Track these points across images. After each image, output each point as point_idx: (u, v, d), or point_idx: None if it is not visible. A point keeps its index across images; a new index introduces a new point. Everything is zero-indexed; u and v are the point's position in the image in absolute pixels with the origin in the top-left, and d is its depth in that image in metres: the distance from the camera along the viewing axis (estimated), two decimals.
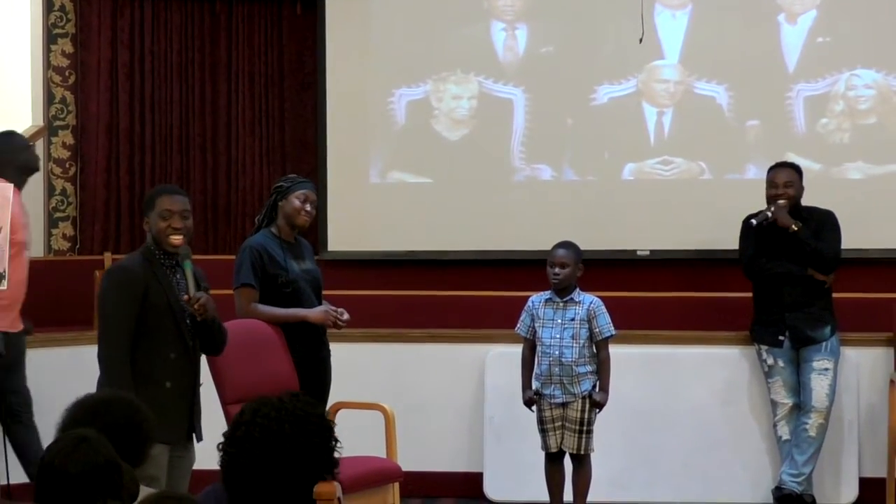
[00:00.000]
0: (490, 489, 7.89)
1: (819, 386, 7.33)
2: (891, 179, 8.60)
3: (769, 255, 7.48)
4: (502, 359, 7.72)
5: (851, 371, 7.64)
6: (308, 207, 6.63)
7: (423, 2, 9.21)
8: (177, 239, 5.51)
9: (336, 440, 3.44)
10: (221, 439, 3.43)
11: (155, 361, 5.44)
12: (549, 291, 6.94)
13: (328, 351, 6.79)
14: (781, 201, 7.39)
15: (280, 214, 6.64)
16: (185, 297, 5.48)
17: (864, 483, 7.62)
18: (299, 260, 6.67)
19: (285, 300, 6.56)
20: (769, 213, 7.37)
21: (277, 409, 3.40)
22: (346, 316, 6.63)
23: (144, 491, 3.85)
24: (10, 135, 7.61)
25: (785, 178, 7.48)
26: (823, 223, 7.51)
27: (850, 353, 7.65)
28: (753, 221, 7.42)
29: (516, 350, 7.11)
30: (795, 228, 7.35)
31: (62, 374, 7.62)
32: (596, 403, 6.82)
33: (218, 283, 8.56)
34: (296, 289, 6.59)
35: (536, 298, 6.99)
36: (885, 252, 8.52)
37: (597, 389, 6.85)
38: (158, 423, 5.21)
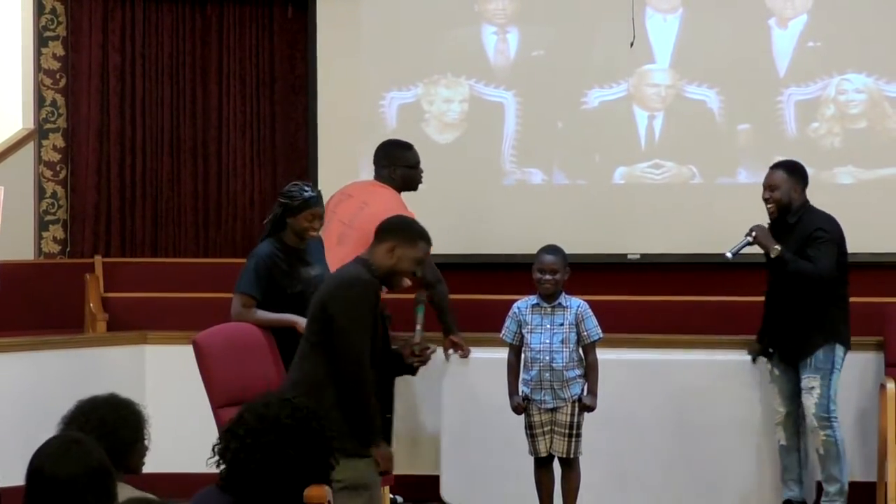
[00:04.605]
0: (446, 493, 7.80)
1: (809, 403, 7.15)
2: (881, 184, 8.62)
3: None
4: (495, 363, 7.70)
5: (842, 375, 7.60)
6: (316, 225, 6.66)
7: (414, 5, 9.21)
8: (408, 282, 5.45)
9: None
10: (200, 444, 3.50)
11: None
12: (535, 297, 6.90)
13: None
14: (759, 224, 7.18)
15: (289, 227, 6.65)
16: (415, 341, 5.45)
17: (855, 487, 7.61)
18: (307, 266, 6.69)
19: (290, 311, 6.57)
20: (749, 238, 7.06)
21: (299, 408, 3.68)
22: None
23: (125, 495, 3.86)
24: (408, 147, 7.74)
25: (768, 181, 7.17)
26: (812, 237, 7.07)
27: None
28: (729, 255, 7.12)
29: (500, 355, 7.07)
30: (773, 255, 7.01)
31: (54, 377, 7.61)
32: (586, 407, 6.80)
33: (209, 286, 8.64)
34: (302, 300, 6.61)
35: (522, 304, 6.95)
36: (876, 256, 8.53)
37: (585, 393, 6.84)
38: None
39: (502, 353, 6.94)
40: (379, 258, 5.36)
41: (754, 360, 7.48)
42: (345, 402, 5.17)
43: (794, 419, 7.34)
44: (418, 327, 5.49)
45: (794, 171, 7.21)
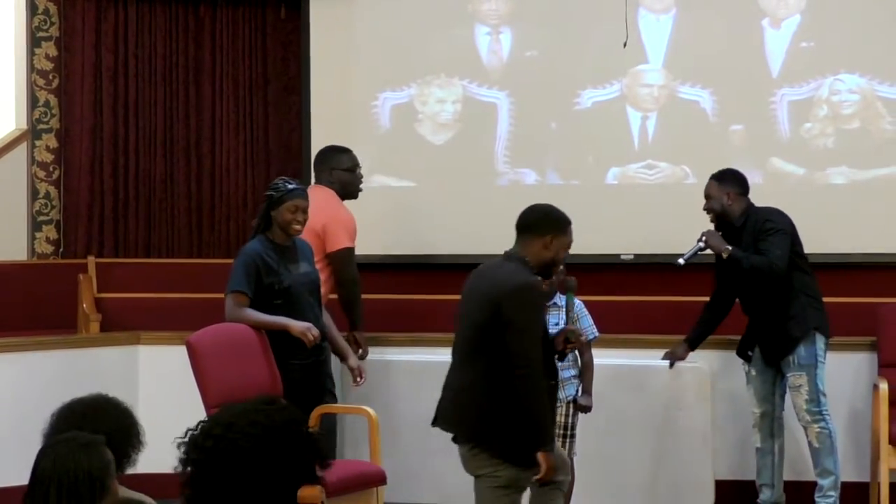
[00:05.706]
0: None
1: (798, 401, 7.15)
2: (874, 184, 8.61)
3: (730, 283, 7.34)
4: None
5: (835, 376, 7.62)
6: (299, 217, 6.69)
7: (407, 5, 9.21)
8: (560, 267, 5.43)
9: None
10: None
11: None
12: None
13: (328, 354, 6.87)
14: (709, 229, 7.21)
15: (274, 222, 6.69)
16: (570, 326, 5.45)
17: (848, 487, 7.61)
18: (294, 264, 6.72)
19: (278, 309, 6.58)
20: (702, 244, 7.15)
21: (255, 422, 3.22)
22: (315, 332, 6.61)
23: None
24: (344, 151, 7.87)
25: (705, 192, 7.30)
26: (761, 230, 7.12)
27: (834, 358, 7.62)
28: (681, 262, 7.21)
29: None
30: (725, 257, 7.09)
31: (47, 378, 7.60)
32: (581, 407, 6.79)
33: (202, 287, 8.63)
34: (290, 295, 6.62)
35: None
36: (869, 256, 8.53)
37: (580, 393, 6.83)
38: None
39: None
40: (536, 253, 5.35)
41: (671, 365, 7.51)
42: (515, 406, 5.09)
43: (770, 420, 7.34)
44: (570, 314, 5.49)
45: (722, 179, 7.31)
